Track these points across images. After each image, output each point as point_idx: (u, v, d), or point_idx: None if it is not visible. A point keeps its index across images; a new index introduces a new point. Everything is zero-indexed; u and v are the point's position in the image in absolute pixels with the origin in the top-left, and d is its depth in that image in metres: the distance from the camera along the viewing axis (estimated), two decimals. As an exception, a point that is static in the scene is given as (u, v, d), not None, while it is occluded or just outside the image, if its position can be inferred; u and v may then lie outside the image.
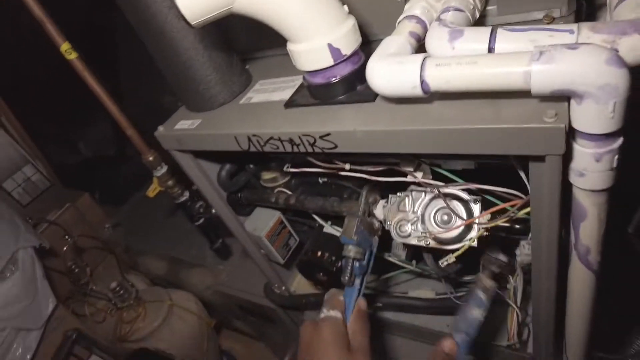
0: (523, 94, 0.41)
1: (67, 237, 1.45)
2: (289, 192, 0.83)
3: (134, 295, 1.41)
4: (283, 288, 1.00)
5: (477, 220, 0.53)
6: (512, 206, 0.49)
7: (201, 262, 1.35)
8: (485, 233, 0.58)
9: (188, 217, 1.04)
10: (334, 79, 0.53)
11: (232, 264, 1.22)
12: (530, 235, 0.57)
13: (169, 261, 1.59)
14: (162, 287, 1.61)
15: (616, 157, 0.41)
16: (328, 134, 0.52)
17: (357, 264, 0.63)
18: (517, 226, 0.56)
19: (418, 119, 0.46)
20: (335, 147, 0.53)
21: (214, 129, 0.65)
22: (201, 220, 1.03)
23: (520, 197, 0.49)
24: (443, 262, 0.57)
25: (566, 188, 0.46)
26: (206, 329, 1.54)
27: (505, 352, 0.76)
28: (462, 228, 0.58)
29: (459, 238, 0.58)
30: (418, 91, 0.44)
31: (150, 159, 0.94)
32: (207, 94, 0.69)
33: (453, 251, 0.58)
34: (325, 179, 0.82)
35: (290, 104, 0.59)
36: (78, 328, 1.25)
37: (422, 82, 0.43)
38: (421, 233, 0.56)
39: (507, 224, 0.55)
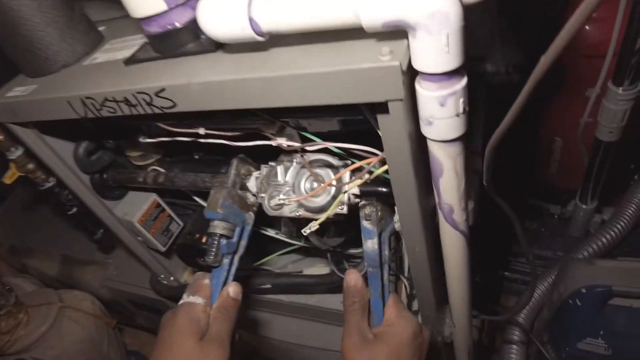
0: (362, 33, 0.37)
1: None
2: (162, 170, 0.75)
3: (12, 301, 1.25)
4: (172, 278, 0.92)
5: (334, 182, 0.49)
6: (368, 164, 0.45)
7: (89, 256, 1.21)
8: (355, 199, 0.55)
9: (59, 206, 0.91)
10: (170, 26, 0.46)
11: (118, 256, 1.10)
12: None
13: (60, 260, 1.43)
14: (55, 288, 1.44)
15: (462, 100, 0.37)
16: (163, 89, 0.44)
17: (224, 241, 0.57)
18: (383, 189, 0.53)
19: (255, 66, 0.41)
20: (174, 105, 0.45)
21: (47, 94, 0.55)
22: (74, 210, 0.91)
23: (375, 154, 0.45)
24: (305, 230, 0.52)
25: (423, 143, 0.43)
26: (106, 330, 1.41)
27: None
28: (330, 195, 0.54)
29: (330, 205, 0.54)
30: (249, 32, 0.38)
31: (0, 138, 0.81)
32: (43, 55, 0.58)
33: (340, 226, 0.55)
34: (201, 154, 0.75)
35: (130, 60, 0.51)
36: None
37: (251, 20, 0.37)
38: (279, 199, 0.51)
39: (376, 188, 0.52)
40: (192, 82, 0.42)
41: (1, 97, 0.60)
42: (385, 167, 0.46)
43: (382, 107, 0.39)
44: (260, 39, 0.39)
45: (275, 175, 0.58)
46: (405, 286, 0.73)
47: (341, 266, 0.78)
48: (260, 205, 0.62)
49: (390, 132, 0.41)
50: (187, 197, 0.79)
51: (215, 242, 0.56)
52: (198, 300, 0.54)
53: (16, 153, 0.82)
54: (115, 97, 0.48)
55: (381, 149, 0.48)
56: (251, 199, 0.63)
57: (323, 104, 0.39)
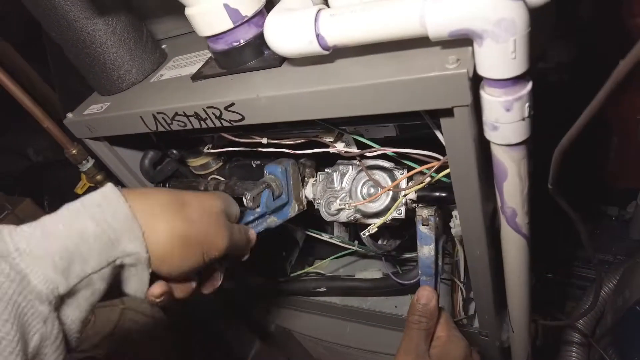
0: (426, 42, 0.38)
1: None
2: (222, 179, 0.78)
3: (80, 302, 1.33)
4: (230, 281, 0.95)
5: (393, 188, 0.50)
6: (429, 169, 0.46)
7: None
8: (412, 204, 0.55)
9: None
10: (236, 43, 0.49)
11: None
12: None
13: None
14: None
15: (527, 104, 0.38)
16: (232, 104, 0.47)
17: (267, 192, 0.57)
18: (442, 194, 0.53)
19: (321, 79, 0.43)
20: (243, 118, 0.48)
21: (121, 110, 0.59)
22: (137, 217, 0.96)
23: (437, 159, 0.46)
24: (365, 233, 0.53)
25: (487, 147, 0.43)
26: (164, 332, 1.47)
27: (452, 327, 0.73)
28: (387, 200, 0.55)
29: (387, 210, 0.55)
30: (315, 47, 0.40)
31: (74, 152, 0.87)
32: (115, 74, 0.63)
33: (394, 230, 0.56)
34: (259, 162, 0.78)
35: (197, 76, 0.55)
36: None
37: (318, 35, 0.39)
38: (339, 204, 0.52)
39: (435, 193, 0.52)
40: (260, 96, 0.45)
41: (79, 116, 0.65)
42: (446, 171, 0.46)
43: (446, 112, 0.40)
44: (325, 52, 0.41)
45: (332, 181, 0.60)
46: (461, 290, 0.73)
47: (394, 271, 0.79)
48: (307, 205, 0.64)
49: (455, 136, 0.41)
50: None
51: (262, 187, 0.57)
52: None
53: (87, 165, 0.88)
54: (185, 112, 0.51)
55: (440, 154, 0.48)
56: (304, 197, 0.64)
57: (389, 112, 0.40)
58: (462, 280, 0.72)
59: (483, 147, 0.43)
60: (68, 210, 0.36)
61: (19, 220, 1.61)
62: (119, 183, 0.93)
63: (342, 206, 0.53)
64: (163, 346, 1.45)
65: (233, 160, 0.81)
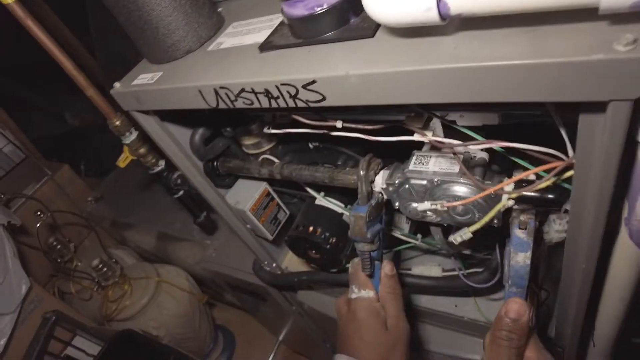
0: (581, 15, 0.29)
1: (39, 213, 1.34)
2: (275, 160, 0.72)
3: (118, 272, 1.33)
4: (274, 265, 0.91)
5: (504, 189, 0.42)
6: (550, 170, 0.38)
7: (188, 236, 1.25)
8: (510, 204, 0.48)
9: (166, 189, 0.93)
10: (319, 8, 0.41)
11: (219, 239, 1.12)
12: (564, 208, 0.46)
13: (157, 235, 1.50)
14: (151, 262, 1.52)
15: None
16: (313, 82, 0.40)
17: (374, 254, 0.56)
18: (549, 196, 0.45)
19: (431, 56, 0.34)
20: (323, 98, 0.41)
21: (175, 82, 0.53)
22: (180, 193, 0.92)
23: (561, 159, 0.38)
24: (457, 239, 0.46)
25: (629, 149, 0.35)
26: (198, 305, 1.46)
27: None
28: (480, 200, 0.47)
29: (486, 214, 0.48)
30: (433, 15, 0.32)
31: (117, 123, 0.82)
32: (169, 41, 0.56)
33: (468, 224, 0.48)
34: (317, 144, 0.71)
35: (266, 46, 0.47)
36: (57, 310, 1.16)
37: (439, 1, 0.31)
38: (430, 205, 0.45)
39: (542, 194, 0.44)
40: (350, 74, 0.37)
41: (128, 86, 0.59)
42: (568, 174, 0.38)
43: (592, 106, 0.31)
44: (442, 22, 0.33)
45: (408, 175, 0.52)
46: (537, 298, 0.66)
47: (451, 269, 0.72)
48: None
49: (596, 137, 0.33)
50: (295, 185, 0.76)
51: (367, 257, 0.56)
52: (370, 294, 0.57)
53: (130, 138, 0.84)
54: (254, 88, 0.44)
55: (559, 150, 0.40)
56: (379, 199, 0.57)
57: (520, 101, 0.32)
58: (540, 285, 0.65)
59: (626, 150, 0.35)
60: None
61: (58, 187, 1.61)
62: (163, 157, 0.88)
63: (435, 206, 0.45)
64: (195, 320, 1.44)
65: (288, 139, 0.74)
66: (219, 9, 0.65)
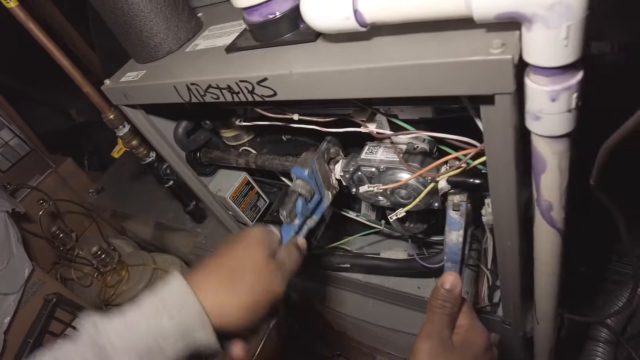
0: (470, 23, 0.35)
1: (42, 201, 1.42)
2: (253, 151, 0.79)
3: (116, 259, 1.40)
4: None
5: (426, 173, 0.49)
6: (465, 155, 0.44)
7: (181, 225, 1.32)
8: (445, 190, 0.54)
9: (156, 178, 1.00)
10: (271, 15, 0.48)
11: (207, 227, 1.19)
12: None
13: (154, 225, 1.57)
14: (149, 251, 1.60)
15: (575, 95, 0.35)
16: (265, 79, 0.46)
17: (300, 202, 0.57)
18: (477, 181, 0.51)
19: (357, 57, 0.41)
20: (275, 94, 0.47)
21: (156, 79, 0.60)
22: (170, 183, 0.99)
23: (474, 145, 0.44)
24: (392, 216, 0.52)
25: (526, 135, 0.41)
26: (192, 292, 1.53)
27: (475, 314, 0.73)
28: (417, 184, 0.53)
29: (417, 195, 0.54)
30: (352, 23, 0.38)
31: (111, 117, 0.89)
32: (152, 43, 0.63)
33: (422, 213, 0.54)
34: (289, 136, 0.77)
35: (231, 48, 0.54)
36: (58, 292, 1.24)
37: (355, 11, 0.37)
38: (368, 187, 0.52)
39: (467, 179, 0.51)
40: (293, 73, 0.44)
41: (116, 82, 0.66)
42: (482, 159, 0.45)
43: (486, 99, 0.38)
44: (362, 29, 0.39)
45: (360, 162, 0.59)
46: (487, 278, 0.72)
47: (419, 252, 0.78)
48: (338, 188, 0.64)
49: (494, 125, 0.39)
50: (274, 176, 0.83)
51: (294, 198, 0.57)
52: (275, 231, 0.55)
53: (123, 130, 0.91)
54: (218, 85, 0.51)
55: (477, 139, 0.46)
56: (334, 180, 0.64)
57: (427, 95, 0.38)
58: (489, 267, 0.71)
59: (523, 134, 0.41)
60: (149, 305, 0.42)
61: (60, 179, 1.69)
62: (152, 149, 0.95)
63: (371, 189, 0.52)
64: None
65: (265, 133, 0.81)
66: (200, 14, 0.71)
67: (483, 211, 0.59)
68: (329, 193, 0.61)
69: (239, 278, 0.46)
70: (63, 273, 1.57)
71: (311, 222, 0.59)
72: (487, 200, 0.57)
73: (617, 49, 0.97)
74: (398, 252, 0.85)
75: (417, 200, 0.50)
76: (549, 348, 0.76)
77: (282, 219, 0.56)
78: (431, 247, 0.80)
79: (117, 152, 0.95)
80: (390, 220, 0.53)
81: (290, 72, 0.44)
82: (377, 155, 0.57)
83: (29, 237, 1.45)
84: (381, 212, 0.82)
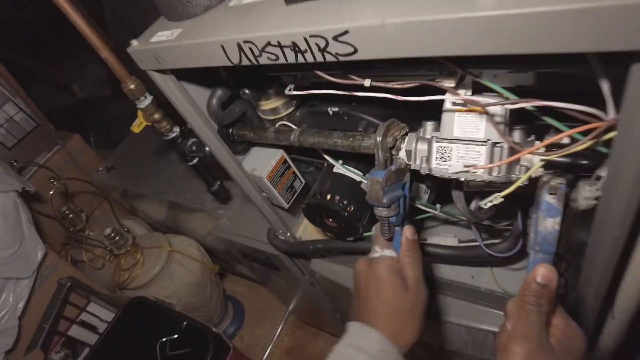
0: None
1: (52, 180, 1.34)
2: (292, 126, 0.70)
3: (130, 241, 1.34)
4: (288, 234, 0.90)
5: (540, 150, 0.41)
6: (591, 130, 0.36)
7: (200, 206, 1.25)
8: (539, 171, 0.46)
9: (180, 156, 0.92)
10: (352, -46, 0.39)
11: (232, 208, 1.11)
12: (597, 174, 0.45)
13: (168, 205, 1.50)
14: (162, 232, 1.53)
15: None
16: (345, 32, 0.38)
17: (393, 219, 0.53)
18: (582, 161, 0.44)
19: (466, 3, 0.32)
20: (355, 51, 0.39)
21: (197, 38, 0.51)
22: (195, 160, 0.91)
23: (600, 120, 0.36)
24: (487, 203, 0.45)
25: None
26: (209, 275, 1.48)
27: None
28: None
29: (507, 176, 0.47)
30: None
31: (132, 87, 0.80)
32: (188, -4, 0.54)
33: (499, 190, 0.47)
34: (337, 109, 0.69)
35: (293, -2, 0.45)
36: (72, 276, 1.17)
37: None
38: (464, 166, 0.44)
39: (575, 159, 0.43)
40: (387, 22, 0.35)
41: (146, 43, 0.57)
42: (610, 135, 0.37)
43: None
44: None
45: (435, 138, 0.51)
46: (558, 269, 0.65)
47: (473, 239, 0.71)
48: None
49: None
50: (312, 153, 0.75)
51: (386, 223, 0.54)
52: (393, 254, 0.56)
53: (145, 102, 0.81)
54: (280, 42, 0.43)
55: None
56: (403, 164, 0.56)
57: (572, 51, 0.30)
58: (561, 256, 0.64)
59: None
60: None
61: (69, 156, 1.60)
62: (178, 124, 0.87)
63: (468, 169, 0.44)
64: (207, 289, 1.46)
65: (306, 105, 0.72)
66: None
67: (574, 194, 0.52)
68: (407, 175, 0.54)
69: (409, 321, 0.53)
70: (74, 255, 1.51)
71: (407, 210, 0.56)
72: (582, 183, 0.50)
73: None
74: (447, 238, 0.78)
75: (520, 181, 0.42)
76: (615, 347, 0.70)
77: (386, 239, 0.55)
78: (484, 233, 0.73)
79: (138, 126, 0.86)
80: (485, 206, 0.46)
81: (383, 22, 0.35)
82: (453, 129, 0.49)
83: (39, 217, 1.38)
84: (434, 196, 0.74)
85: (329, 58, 0.41)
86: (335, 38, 0.39)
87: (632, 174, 0.38)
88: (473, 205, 0.61)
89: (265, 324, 1.67)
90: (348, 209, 0.69)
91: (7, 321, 1.03)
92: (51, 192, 1.33)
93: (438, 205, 0.71)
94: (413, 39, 0.35)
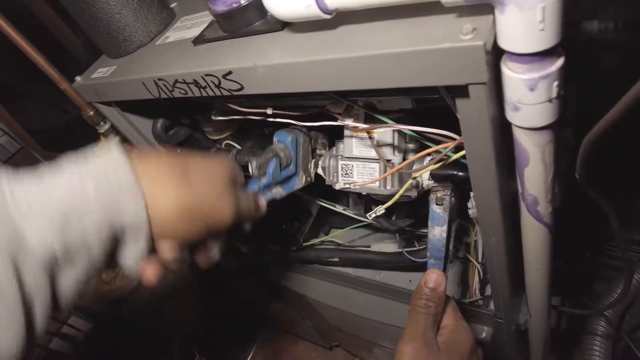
0: (439, 8, 0.33)
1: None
2: (236, 145, 0.76)
3: (109, 256, 1.39)
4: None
5: (403, 168, 0.46)
6: (445, 148, 0.42)
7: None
8: (426, 182, 0.51)
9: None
10: (236, 4, 0.45)
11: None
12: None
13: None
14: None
15: (555, 83, 0.32)
16: (230, 72, 0.44)
17: (274, 161, 0.54)
18: (460, 173, 0.49)
19: (323, 47, 0.38)
20: (242, 87, 0.45)
21: (124, 75, 0.57)
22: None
23: (453, 138, 0.41)
24: (371, 214, 0.50)
25: (509, 127, 0.38)
26: (189, 281, 1.52)
27: (467, 308, 0.71)
28: (395, 179, 0.51)
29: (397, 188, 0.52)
30: (315, 10, 0.35)
31: (91, 114, 0.86)
32: (120, 37, 0.60)
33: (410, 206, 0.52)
34: (271, 129, 0.75)
35: (198, 40, 0.51)
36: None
37: (317, -2, 0.35)
38: (344, 184, 0.49)
39: (451, 172, 0.48)
40: (258, 65, 0.41)
41: (87, 80, 0.63)
42: (462, 153, 0.42)
43: (461, 90, 0.35)
44: (326, 16, 0.36)
45: (339, 155, 0.56)
46: (478, 271, 0.70)
47: (410, 245, 0.76)
48: (313, 180, 0.61)
49: (470, 117, 0.37)
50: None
51: (269, 156, 0.54)
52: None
53: (104, 127, 0.88)
54: (185, 79, 0.49)
55: (458, 131, 0.44)
56: (312, 168, 0.61)
57: (396, 86, 0.35)
58: (479, 261, 0.69)
59: (505, 127, 0.38)
60: (69, 164, 0.35)
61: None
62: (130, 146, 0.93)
63: (347, 186, 0.49)
64: (185, 300, 1.51)
65: (247, 126, 0.78)
66: (173, 4, 0.68)
67: (469, 204, 0.57)
68: (304, 177, 0.59)
69: (188, 177, 0.40)
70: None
71: (276, 193, 0.56)
72: (472, 193, 0.55)
73: (622, 27, 0.91)
74: (389, 244, 0.83)
75: (396, 197, 0.48)
76: (544, 341, 0.74)
77: (250, 169, 0.52)
78: (423, 240, 0.78)
79: (100, 149, 0.92)
80: (369, 218, 0.51)
81: (254, 64, 0.41)
82: (353, 148, 0.54)
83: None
84: (368, 205, 0.79)
85: (225, 93, 0.47)
86: (224, 77, 0.45)
87: (485, 184, 0.43)
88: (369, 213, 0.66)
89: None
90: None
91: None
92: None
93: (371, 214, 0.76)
94: (280, 78, 0.41)
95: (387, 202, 0.50)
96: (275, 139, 0.57)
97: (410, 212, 0.66)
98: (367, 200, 0.76)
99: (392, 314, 0.85)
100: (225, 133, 0.78)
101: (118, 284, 1.41)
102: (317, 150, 0.62)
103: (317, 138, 0.62)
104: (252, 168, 0.53)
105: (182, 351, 1.05)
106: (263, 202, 0.52)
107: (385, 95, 0.48)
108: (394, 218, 0.68)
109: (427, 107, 0.49)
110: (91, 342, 1.19)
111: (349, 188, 0.50)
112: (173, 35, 0.59)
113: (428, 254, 0.53)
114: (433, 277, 0.50)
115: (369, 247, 0.84)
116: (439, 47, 0.32)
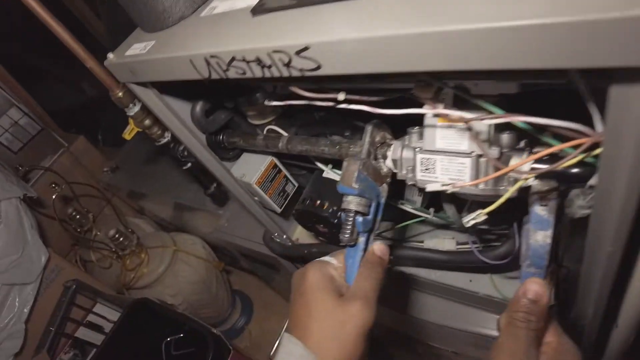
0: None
1: (54, 185, 1.36)
2: (280, 131, 0.68)
3: (135, 242, 1.35)
4: (284, 236, 0.89)
5: (523, 168, 0.38)
6: (576, 147, 0.34)
7: (201, 206, 1.24)
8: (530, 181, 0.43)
9: (173, 160, 0.91)
10: (314, -37, 0.36)
11: (230, 209, 1.11)
12: (589, 184, 0.42)
13: (172, 205, 1.51)
14: (169, 230, 1.54)
15: None
16: (306, 48, 0.36)
17: (360, 219, 0.48)
18: (573, 171, 0.41)
19: (438, 16, 0.30)
20: (319, 67, 0.37)
21: (167, 52, 0.49)
22: (188, 165, 0.90)
23: (586, 135, 0.33)
24: (470, 221, 0.42)
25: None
26: (214, 272, 1.48)
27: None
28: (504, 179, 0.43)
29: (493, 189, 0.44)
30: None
31: (119, 95, 0.79)
32: (160, 7, 0.53)
33: (483, 204, 0.44)
34: (322, 113, 0.67)
35: (258, 9, 0.43)
36: (77, 279, 1.19)
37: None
38: (442, 185, 0.41)
39: (566, 170, 0.40)
40: (347, 39, 0.33)
41: (121, 57, 0.56)
42: (596, 152, 0.34)
43: (626, 73, 0.27)
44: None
45: (415, 148, 0.48)
46: (557, 276, 0.62)
47: (469, 241, 0.69)
48: (391, 177, 0.54)
49: (630, 110, 0.28)
50: (303, 157, 0.73)
51: (350, 219, 0.48)
52: (332, 260, 0.49)
53: (134, 109, 0.81)
54: (245, 57, 0.41)
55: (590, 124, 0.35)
56: (385, 169, 0.54)
57: (530, 67, 0.27)
58: (560, 262, 0.61)
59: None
60: None
61: (73, 158, 1.62)
62: (167, 129, 0.86)
63: (445, 188, 0.42)
64: (212, 286, 1.46)
65: (294, 110, 0.70)
66: (214, -31, 0.60)
67: (568, 202, 0.49)
68: (385, 186, 0.51)
69: (341, 331, 0.43)
70: (82, 255, 1.53)
71: (376, 227, 0.50)
72: (576, 191, 0.47)
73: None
74: (445, 240, 0.76)
75: (503, 199, 0.40)
76: (622, 354, 0.67)
77: (344, 243, 0.48)
78: (484, 235, 0.70)
79: (129, 133, 0.85)
80: (467, 224, 0.43)
81: (343, 38, 0.33)
82: (437, 140, 0.46)
83: (46, 221, 1.40)
84: (427, 199, 0.72)
85: (295, 73, 0.39)
86: (297, 53, 0.37)
87: (620, 191, 0.35)
88: (465, 218, 0.59)
89: (274, 317, 1.67)
90: (338, 215, 0.68)
91: (13, 325, 1.05)
92: (53, 197, 1.34)
93: (431, 210, 0.68)
94: (374, 55, 0.33)
95: (479, 202, 0.42)
96: (340, 192, 0.48)
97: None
98: (428, 195, 0.68)
99: (448, 315, 0.79)
100: (269, 118, 0.70)
101: (143, 270, 1.37)
102: (381, 145, 0.53)
103: (375, 136, 0.52)
104: (345, 242, 0.48)
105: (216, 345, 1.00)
106: (378, 248, 0.49)
107: (486, 77, 0.40)
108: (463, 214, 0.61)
109: (534, 95, 0.41)
110: (117, 331, 1.15)
111: (449, 190, 0.42)
112: (221, 5, 0.51)
113: (527, 262, 0.45)
114: (534, 287, 0.43)
115: (422, 242, 0.77)
116: (619, 15, 0.23)
